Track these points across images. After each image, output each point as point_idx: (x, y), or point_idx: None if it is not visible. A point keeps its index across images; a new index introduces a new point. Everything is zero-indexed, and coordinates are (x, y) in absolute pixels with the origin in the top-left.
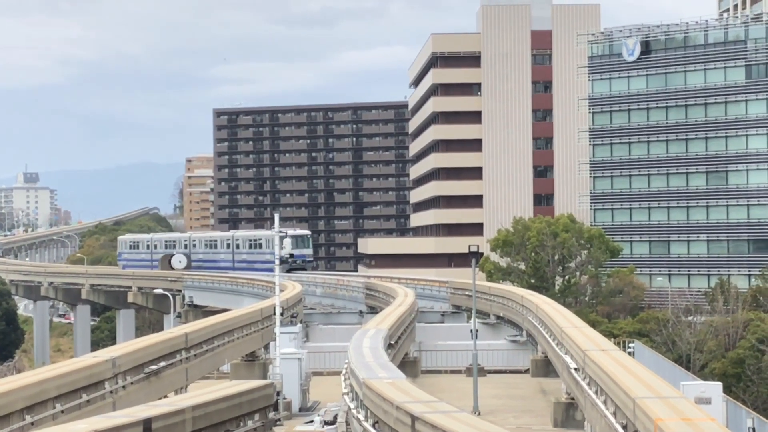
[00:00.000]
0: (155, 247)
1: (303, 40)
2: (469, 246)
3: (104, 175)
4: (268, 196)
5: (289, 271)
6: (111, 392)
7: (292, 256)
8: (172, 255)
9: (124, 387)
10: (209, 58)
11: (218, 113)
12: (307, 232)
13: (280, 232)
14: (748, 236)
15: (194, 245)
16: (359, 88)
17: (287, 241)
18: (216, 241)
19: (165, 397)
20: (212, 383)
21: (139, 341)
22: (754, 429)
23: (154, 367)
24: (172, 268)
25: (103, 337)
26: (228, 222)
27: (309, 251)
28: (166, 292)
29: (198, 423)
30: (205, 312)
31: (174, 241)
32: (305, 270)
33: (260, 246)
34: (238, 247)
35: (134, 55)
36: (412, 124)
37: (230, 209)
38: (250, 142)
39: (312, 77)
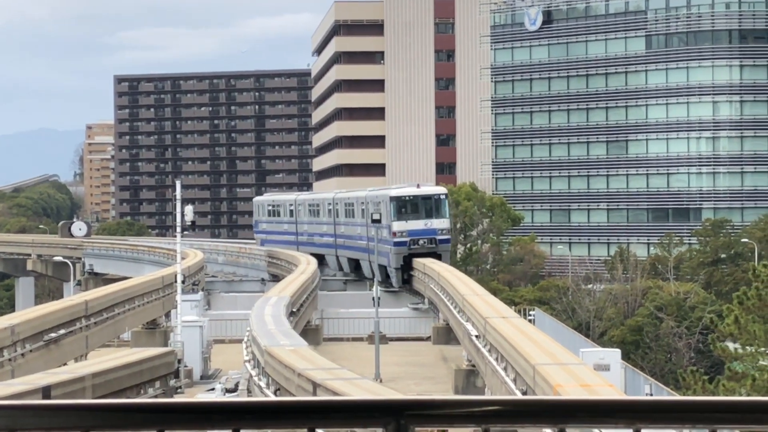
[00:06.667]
0: (299, 214)
1: (210, 6)
2: (372, 214)
3: (2, 141)
4: (169, 164)
5: (410, 257)
6: (10, 360)
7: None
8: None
9: (23, 355)
10: (114, 24)
11: (119, 80)
12: (441, 189)
13: (399, 187)
14: (648, 205)
15: (337, 213)
16: (264, 56)
17: (188, 208)
18: (352, 206)
19: (65, 364)
20: (113, 351)
21: (39, 309)
22: (651, 395)
23: (53, 334)
24: (72, 236)
25: (2, 305)
26: (129, 189)
27: (446, 223)
28: (66, 260)
29: (98, 390)
30: (106, 280)
31: (318, 206)
32: (440, 258)
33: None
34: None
35: (39, 18)
36: (315, 93)
37: (131, 177)
38: (152, 110)
39: (216, 44)
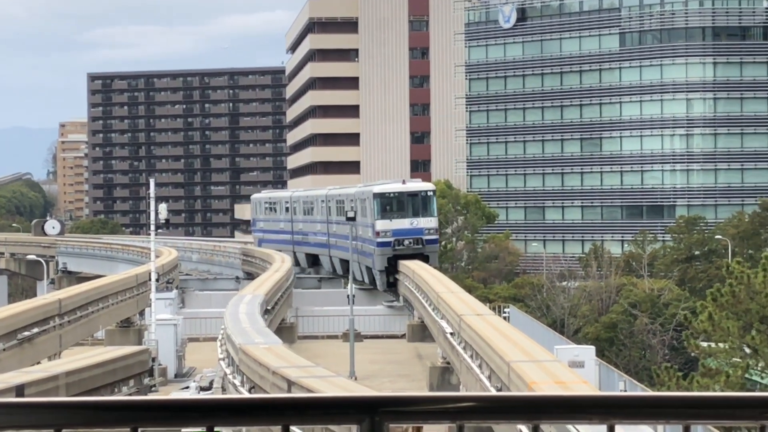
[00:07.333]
0: (294, 211)
1: (184, 4)
2: (347, 212)
3: None
4: (143, 162)
5: (395, 259)
6: None
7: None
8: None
9: None
10: (89, 21)
11: (93, 77)
12: (428, 186)
13: (383, 183)
14: (622, 202)
15: (329, 211)
16: (238, 54)
17: (162, 207)
18: (343, 203)
19: (38, 363)
20: (86, 349)
21: (12, 307)
22: (626, 391)
23: (27, 333)
24: (45, 234)
25: None
26: (102, 188)
27: (433, 222)
28: (39, 259)
29: (72, 389)
30: (80, 278)
31: (311, 203)
32: (427, 260)
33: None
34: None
35: (14, 15)
36: (290, 90)
37: (105, 174)
38: (125, 107)
39: (191, 42)
